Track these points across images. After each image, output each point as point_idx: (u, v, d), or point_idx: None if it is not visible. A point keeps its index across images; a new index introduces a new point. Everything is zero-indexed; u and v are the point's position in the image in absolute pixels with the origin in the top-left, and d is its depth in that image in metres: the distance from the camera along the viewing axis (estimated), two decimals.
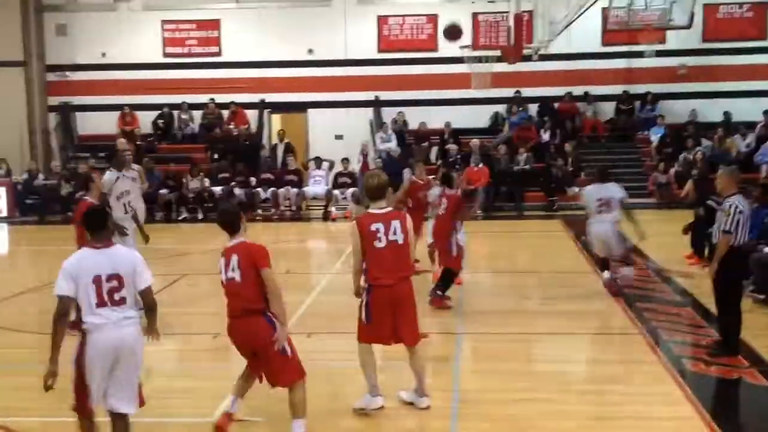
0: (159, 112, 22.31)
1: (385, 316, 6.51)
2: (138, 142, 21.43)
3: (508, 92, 21.78)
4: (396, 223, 6.46)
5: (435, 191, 10.89)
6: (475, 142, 20.39)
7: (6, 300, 11.17)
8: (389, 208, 6.61)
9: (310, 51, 22.37)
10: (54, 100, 22.69)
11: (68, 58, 22.56)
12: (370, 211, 6.57)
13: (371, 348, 6.75)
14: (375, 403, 6.72)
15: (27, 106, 21.91)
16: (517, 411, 6.68)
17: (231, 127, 22.00)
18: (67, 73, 22.62)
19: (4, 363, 8.40)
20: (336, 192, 19.69)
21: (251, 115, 22.51)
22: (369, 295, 6.51)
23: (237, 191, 19.69)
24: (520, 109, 21.94)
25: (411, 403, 6.83)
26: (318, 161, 20.28)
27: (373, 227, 6.38)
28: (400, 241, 6.45)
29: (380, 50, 22.54)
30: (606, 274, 10.89)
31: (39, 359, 8.39)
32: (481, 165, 19.50)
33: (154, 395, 7.29)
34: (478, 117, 22.36)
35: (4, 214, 19.52)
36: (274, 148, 21.54)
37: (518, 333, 9.09)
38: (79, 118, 22.74)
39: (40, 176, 20.34)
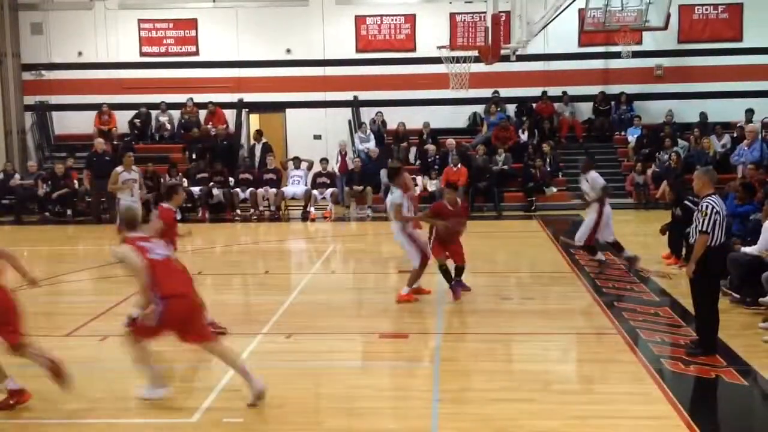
0: (136, 111, 22.16)
1: (176, 325, 6.84)
2: (115, 142, 21.29)
3: (486, 93, 21.86)
4: (158, 242, 7.17)
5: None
6: (450, 141, 20.46)
7: None
8: (148, 235, 7.31)
9: (288, 51, 22.33)
10: (30, 99, 22.47)
11: (44, 56, 22.37)
12: (130, 235, 7.07)
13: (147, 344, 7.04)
14: (157, 394, 6.98)
15: (2, 106, 21.67)
16: (498, 410, 6.71)
17: (209, 126, 21.90)
18: (43, 71, 22.42)
19: None
20: (315, 192, 19.65)
21: (229, 114, 22.43)
22: (165, 306, 6.70)
23: (215, 191, 19.60)
24: (498, 109, 22.02)
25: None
26: (297, 161, 20.21)
27: (140, 243, 6.90)
28: (172, 255, 7.24)
29: (358, 50, 22.54)
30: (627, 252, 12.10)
31: (22, 362, 8.36)
32: (459, 166, 19.58)
33: (134, 397, 7.27)
34: (457, 117, 22.43)
35: None
36: (252, 148, 21.48)
37: (498, 333, 9.13)
38: (55, 118, 22.54)
39: (17, 176, 20.12)
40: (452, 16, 22.36)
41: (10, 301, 6.88)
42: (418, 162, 20.97)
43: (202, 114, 22.28)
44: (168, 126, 22.24)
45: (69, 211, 19.35)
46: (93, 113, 22.02)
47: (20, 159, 21.75)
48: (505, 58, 16.89)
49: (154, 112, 22.32)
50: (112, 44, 22.42)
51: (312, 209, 19.39)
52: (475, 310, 10.19)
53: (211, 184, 19.74)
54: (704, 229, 7.76)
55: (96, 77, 22.38)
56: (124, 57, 22.42)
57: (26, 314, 10.33)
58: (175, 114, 22.38)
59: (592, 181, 12.00)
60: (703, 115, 21.44)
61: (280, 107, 22.65)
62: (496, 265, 13.95)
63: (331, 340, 9.04)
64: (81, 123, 22.06)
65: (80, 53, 22.40)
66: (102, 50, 22.41)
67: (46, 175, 19.78)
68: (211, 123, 21.99)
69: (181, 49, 22.55)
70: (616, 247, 12.30)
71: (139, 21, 22.44)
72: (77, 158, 20.42)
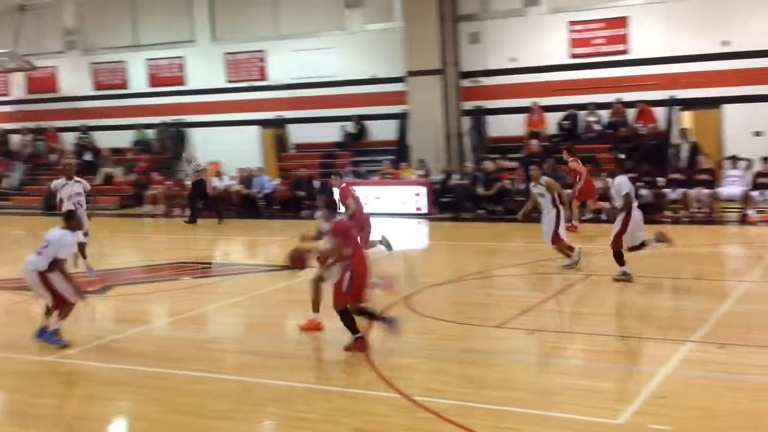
0: (565, 113, 22.51)
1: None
2: (544, 143, 21.90)
3: None
4: None
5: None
6: None
7: (425, 290, 12.13)
8: None
9: (725, 43, 20.86)
10: (467, 105, 24.07)
11: (480, 64, 23.76)
12: None
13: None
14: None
15: (444, 112, 23.52)
16: None
17: (637, 125, 21.42)
18: (480, 78, 23.83)
19: (423, 348, 9.11)
20: (755, 193, 18.14)
21: (659, 112, 21.67)
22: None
23: (643, 191, 19.09)
24: None
25: None
26: (734, 160, 18.86)
27: None
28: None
29: None
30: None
31: (456, 347, 9.03)
32: None
33: (559, 391, 7.40)
34: None
35: (425, 211, 21.18)
36: (679, 147, 20.52)
37: None
38: (489, 121, 23.85)
39: (455, 176, 21.70)
40: None
41: None
42: None
43: (630, 113, 21.85)
44: (595, 126, 22.22)
45: (501, 209, 20.34)
46: (523, 116, 22.85)
47: (458, 160, 23.41)
48: None
49: (581, 113, 22.47)
50: (542, 48, 23.02)
51: (751, 212, 17.93)
52: None
53: (640, 184, 19.25)
54: None
55: (527, 81, 23.17)
56: (554, 60, 22.89)
57: (462, 304, 11.11)
58: (603, 114, 22.27)
59: (618, 186, 11.72)
60: None
61: (714, 103, 21.26)
62: None
63: None
64: (512, 125, 23.04)
65: (513, 59, 23.36)
66: (533, 54, 23.12)
67: (481, 176, 21.02)
68: (639, 122, 21.49)
69: (610, 48, 22.36)
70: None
71: (570, 23, 22.73)
72: (509, 158, 21.42)
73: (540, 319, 10.04)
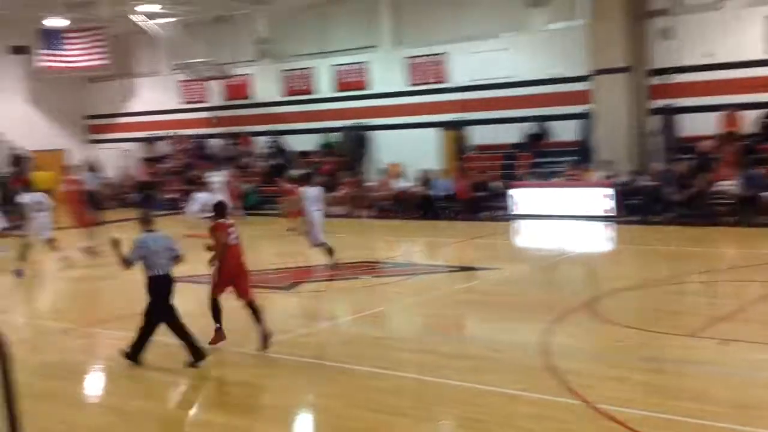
0: (766, 110, 21.01)
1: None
2: (740, 143, 20.58)
3: None
4: None
5: None
6: None
7: (609, 295, 11.69)
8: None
9: None
10: (656, 104, 23.01)
11: (672, 60, 22.65)
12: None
13: None
14: None
15: (631, 111, 22.60)
16: None
17: None
18: (671, 75, 22.73)
19: (608, 355, 8.78)
20: None
21: None
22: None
23: None
24: None
25: None
26: None
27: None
28: None
29: None
30: None
31: (643, 355, 8.65)
32: None
33: (757, 405, 6.88)
34: None
35: (613, 213, 20.42)
36: None
37: None
38: (680, 120, 22.70)
39: (642, 178, 20.80)
40: None
41: None
42: None
43: None
44: None
45: (694, 212, 19.29)
46: (717, 114, 21.55)
47: (646, 161, 22.42)
48: None
49: None
50: (739, 43, 21.63)
51: None
52: None
53: None
54: None
55: (723, 77, 21.85)
56: (751, 55, 21.44)
57: (650, 311, 10.60)
58: None
59: None
60: None
61: None
62: None
63: None
64: (704, 124, 21.79)
65: (709, 54, 22.11)
66: (730, 50, 21.77)
67: (670, 178, 20.01)
68: None
69: None
70: None
71: (766, 18, 21.19)
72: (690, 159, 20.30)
73: (736, 329, 9.40)
